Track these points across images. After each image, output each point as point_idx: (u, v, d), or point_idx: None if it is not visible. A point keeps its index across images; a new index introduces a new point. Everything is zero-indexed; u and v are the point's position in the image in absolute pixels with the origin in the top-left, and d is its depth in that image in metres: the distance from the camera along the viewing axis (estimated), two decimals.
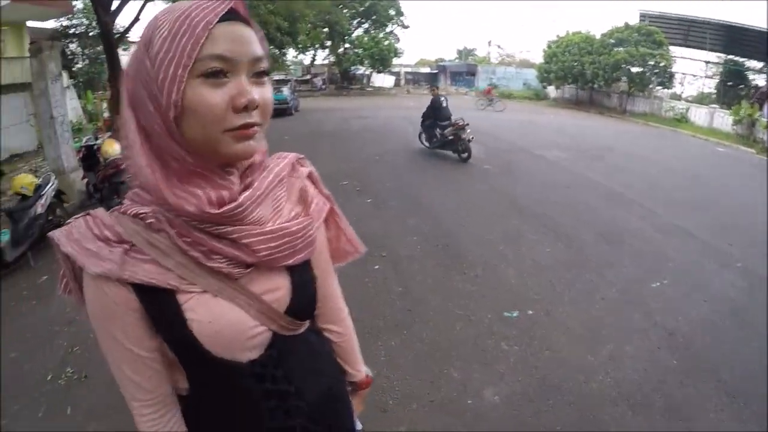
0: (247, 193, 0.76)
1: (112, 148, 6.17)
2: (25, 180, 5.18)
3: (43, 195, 5.16)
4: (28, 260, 4.97)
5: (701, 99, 26.60)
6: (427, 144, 11.30)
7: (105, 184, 6.14)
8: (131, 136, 0.72)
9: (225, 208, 0.72)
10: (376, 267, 4.68)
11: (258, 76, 0.72)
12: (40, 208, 5.05)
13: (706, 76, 27.68)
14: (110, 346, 0.79)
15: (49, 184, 5.36)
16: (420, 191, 7.65)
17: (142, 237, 0.74)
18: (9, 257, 4.71)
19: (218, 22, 0.67)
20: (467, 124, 10.01)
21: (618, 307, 4.03)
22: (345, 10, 31.54)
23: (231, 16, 0.69)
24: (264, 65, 0.72)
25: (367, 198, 7.23)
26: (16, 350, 3.53)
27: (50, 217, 5.35)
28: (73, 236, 0.74)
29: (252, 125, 0.70)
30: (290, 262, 0.82)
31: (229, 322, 0.77)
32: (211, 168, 0.73)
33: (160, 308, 0.75)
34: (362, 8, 32.94)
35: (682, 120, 21.72)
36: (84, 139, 6.97)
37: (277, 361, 0.85)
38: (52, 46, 6.72)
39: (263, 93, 0.72)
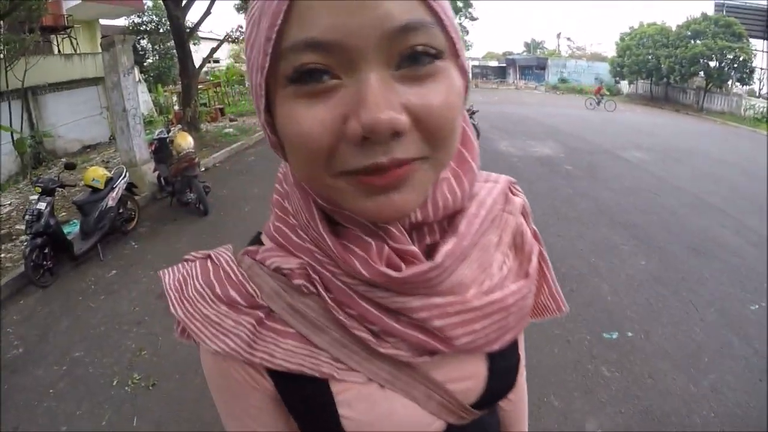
0: (448, 247, 0.48)
1: (185, 141, 6.06)
2: (96, 173, 5.13)
3: (114, 188, 5.13)
4: (97, 253, 4.94)
5: None
6: None
7: (177, 178, 6.05)
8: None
9: (413, 272, 0.46)
10: None
11: (412, 63, 0.39)
12: (111, 201, 5.01)
13: None
14: (233, 424, 0.57)
15: (121, 177, 5.33)
16: None
17: (284, 301, 0.50)
18: (77, 250, 4.68)
19: None
20: (477, 111, 10.48)
21: (717, 331, 3.64)
22: None
23: None
24: (421, 40, 0.38)
25: None
26: (81, 349, 3.44)
27: (121, 210, 5.31)
28: (187, 293, 0.51)
29: (388, 167, 0.39)
30: (497, 346, 0.54)
31: (398, 422, 0.53)
32: (355, 221, 0.48)
33: (302, 398, 0.53)
34: None
35: (762, 120, 20.16)
36: (156, 132, 6.89)
37: None
38: (124, 41, 6.76)
39: (421, 98, 0.39)
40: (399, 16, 0.36)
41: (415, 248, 0.47)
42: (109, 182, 5.13)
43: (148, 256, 4.94)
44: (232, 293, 0.50)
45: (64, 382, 3.09)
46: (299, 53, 0.37)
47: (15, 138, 8.77)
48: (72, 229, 5.18)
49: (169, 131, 6.81)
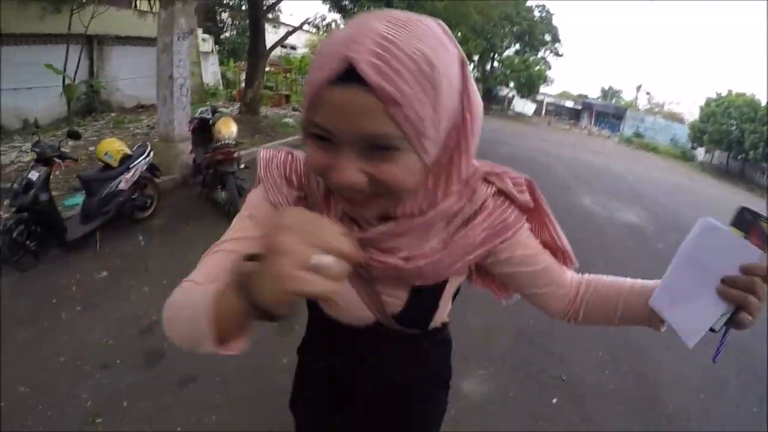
0: (379, 229, 0.77)
1: (226, 129, 5.11)
2: (111, 146, 4.28)
3: (131, 168, 4.25)
4: (95, 242, 4.06)
5: None
6: None
7: (210, 171, 5.12)
8: None
9: (360, 235, 0.77)
10: (554, 401, 3.11)
11: (379, 149, 0.60)
12: (123, 182, 4.14)
13: None
14: (240, 223, 0.87)
15: (142, 157, 4.43)
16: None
17: (315, 196, 0.82)
18: (71, 235, 3.82)
19: (338, 81, 0.56)
20: None
21: None
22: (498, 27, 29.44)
23: (352, 76, 0.55)
24: (380, 142, 0.59)
25: None
26: (28, 382, 2.52)
27: (135, 195, 4.40)
28: (271, 165, 0.86)
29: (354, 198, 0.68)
30: (414, 283, 0.86)
31: (346, 300, 0.90)
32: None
33: None
34: (518, 28, 31.02)
35: None
36: (199, 110, 5.90)
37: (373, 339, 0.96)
38: (186, 1, 5.92)
39: (378, 171, 0.62)
40: (367, 127, 0.58)
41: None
42: (126, 160, 4.25)
43: (149, 264, 3.94)
44: (293, 176, 0.85)
45: None
46: (313, 125, 0.62)
47: (66, 83, 8.32)
48: (76, 202, 4.34)
49: (215, 111, 5.81)
